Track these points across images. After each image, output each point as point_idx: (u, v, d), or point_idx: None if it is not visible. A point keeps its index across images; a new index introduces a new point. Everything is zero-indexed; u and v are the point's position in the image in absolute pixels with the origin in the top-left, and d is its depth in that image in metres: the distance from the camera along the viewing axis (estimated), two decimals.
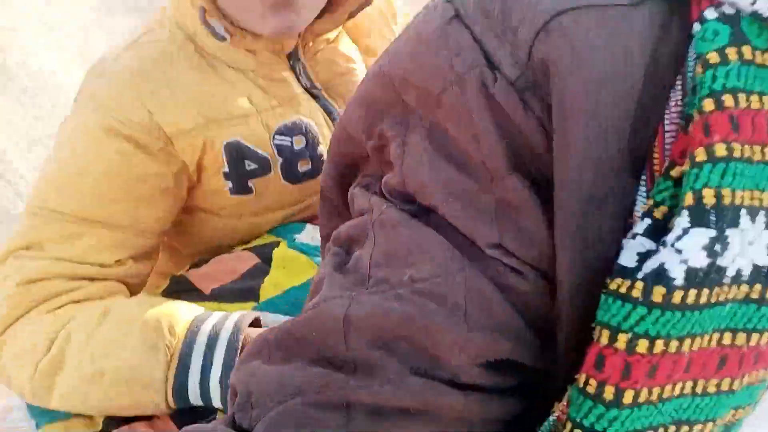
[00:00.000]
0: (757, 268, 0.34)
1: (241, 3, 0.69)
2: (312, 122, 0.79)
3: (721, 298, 0.34)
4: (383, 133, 0.40)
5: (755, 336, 0.36)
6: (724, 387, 0.37)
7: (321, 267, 0.42)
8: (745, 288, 0.35)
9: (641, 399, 0.34)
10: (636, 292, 0.32)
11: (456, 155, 0.36)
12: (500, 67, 0.34)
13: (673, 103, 0.34)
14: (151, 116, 0.70)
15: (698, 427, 0.38)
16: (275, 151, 0.76)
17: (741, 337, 0.36)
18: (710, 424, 0.38)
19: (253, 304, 0.74)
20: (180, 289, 0.76)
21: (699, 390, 0.36)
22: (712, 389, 0.37)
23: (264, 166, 0.77)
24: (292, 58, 0.79)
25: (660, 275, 0.32)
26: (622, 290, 0.33)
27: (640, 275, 0.32)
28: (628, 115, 0.33)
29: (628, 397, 0.34)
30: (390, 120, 0.39)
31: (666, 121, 0.34)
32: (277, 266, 0.76)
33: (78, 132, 0.71)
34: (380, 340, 0.36)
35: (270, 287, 0.74)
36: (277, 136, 0.76)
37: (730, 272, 0.33)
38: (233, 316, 0.68)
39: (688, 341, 0.34)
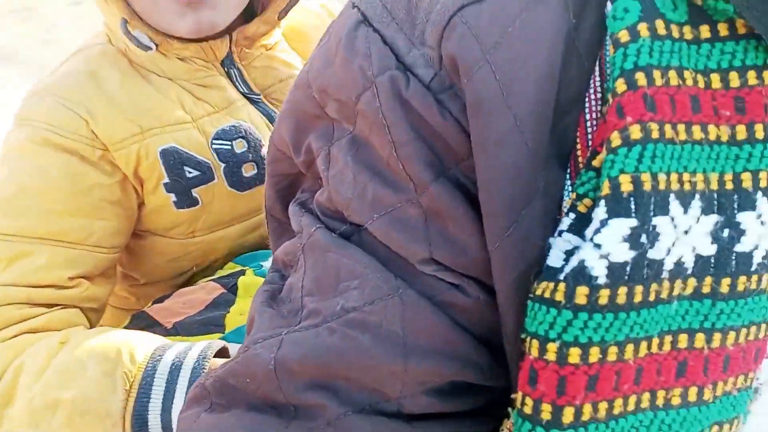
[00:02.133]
0: (702, 259, 0.31)
1: (156, 4, 0.69)
2: (252, 126, 0.77)
3: (663, 295, 0.31)
4: (310, 147, 0.39)
5: (717, 336, 0.32)
6: (692, 398, 0.33)
7: (252, 301, 0.40)
8: (692, 282, 0.31)
9: (585, 417, 0.31)
10: (559, 295, 0.30)
11: (379, 167, 0.35)
12: (413, 69, 0.33)
13: (592, 89, 0.32)
14: (87, 124, 0.69)
15: None
16: (215, 156, 0.74)
17: (699, 339, 0.32)
18: None
19: (218, 335, 0.69)
20: (141, 326, 0.72)
21: (660, 402, 0.33)
22: (676, 401, 0.33)
23: (205, 172, 0.74)
24: (226, 64, 0.77)
25: (581, 274, 0.29)
26: (547, 294, 0.30)
27: (561, 276, 0.30)
28: (548, 106, 0.31)
29: (568, 416, 0.31)
30: (315, 132, 0.38)
31: (586, 109, 0.32)
32: (243, 295, 0.72)
33: (14, 150, 0.70)
34: (317, 381, 0.34)
35: (236, 316, 0.70)
36: (215, 141, 0.74)
37: (668, 265, 0.30)
38: (199, 345, 0.64)
39: (630, 346, 0.30)
